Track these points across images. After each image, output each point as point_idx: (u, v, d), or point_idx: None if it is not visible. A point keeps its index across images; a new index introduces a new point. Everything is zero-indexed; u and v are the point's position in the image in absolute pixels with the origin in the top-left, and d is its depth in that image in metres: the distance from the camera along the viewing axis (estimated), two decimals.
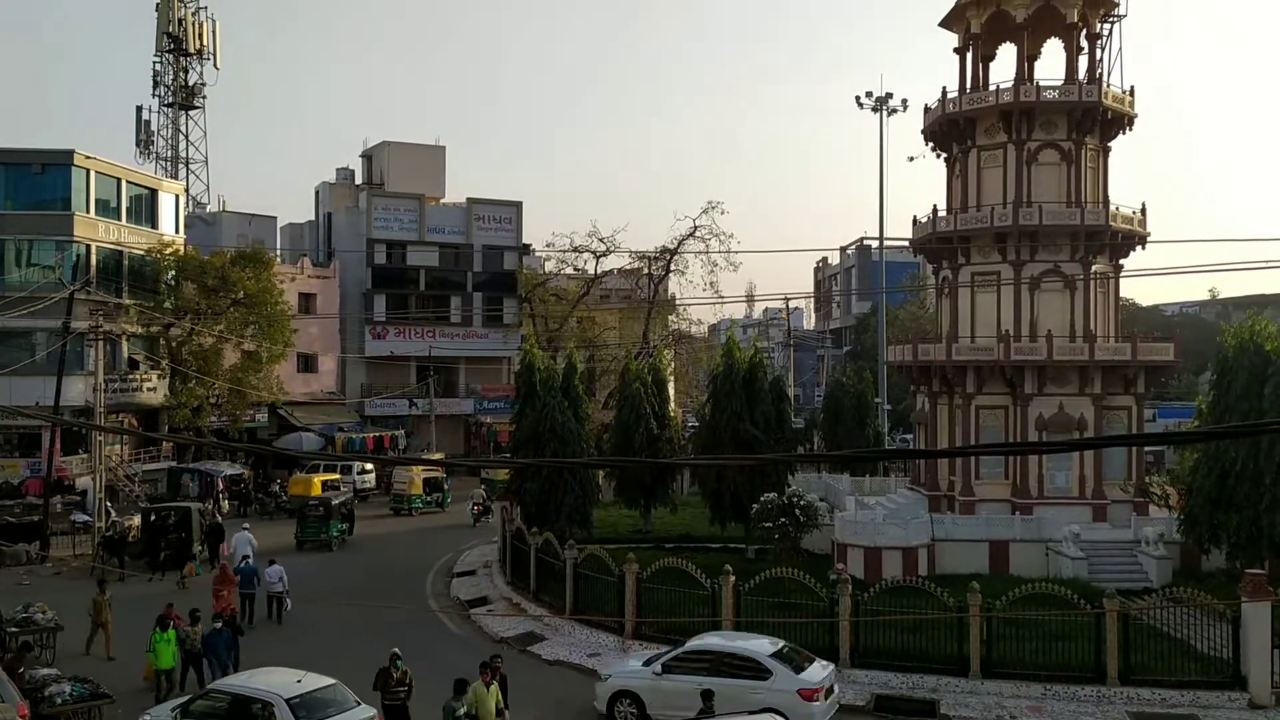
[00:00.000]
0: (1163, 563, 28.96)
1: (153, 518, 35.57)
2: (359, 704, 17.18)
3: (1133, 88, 34.94)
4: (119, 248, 50.32)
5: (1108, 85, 34.53)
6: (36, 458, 44.98)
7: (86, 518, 38.28)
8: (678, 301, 67.84)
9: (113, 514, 38.69)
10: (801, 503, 31.38)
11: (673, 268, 64.69)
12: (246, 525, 33.13)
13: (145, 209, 53.27)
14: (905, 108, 54.50)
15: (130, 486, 46.09)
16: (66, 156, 47.80)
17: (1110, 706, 20.72)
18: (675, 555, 27.45)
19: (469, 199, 68.35)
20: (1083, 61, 35.27)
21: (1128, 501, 32.93)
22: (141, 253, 51.11)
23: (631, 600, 25.11)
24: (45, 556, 35.57)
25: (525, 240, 70.06)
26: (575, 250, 65.65)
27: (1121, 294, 37.60)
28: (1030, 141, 34.29)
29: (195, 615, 21.71)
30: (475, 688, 16.87)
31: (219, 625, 21.51)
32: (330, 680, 17.53)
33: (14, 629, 22.73)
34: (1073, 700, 20.97)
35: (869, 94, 54.43)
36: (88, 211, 48.50)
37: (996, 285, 34.59)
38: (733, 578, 23.79)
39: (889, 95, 54.31)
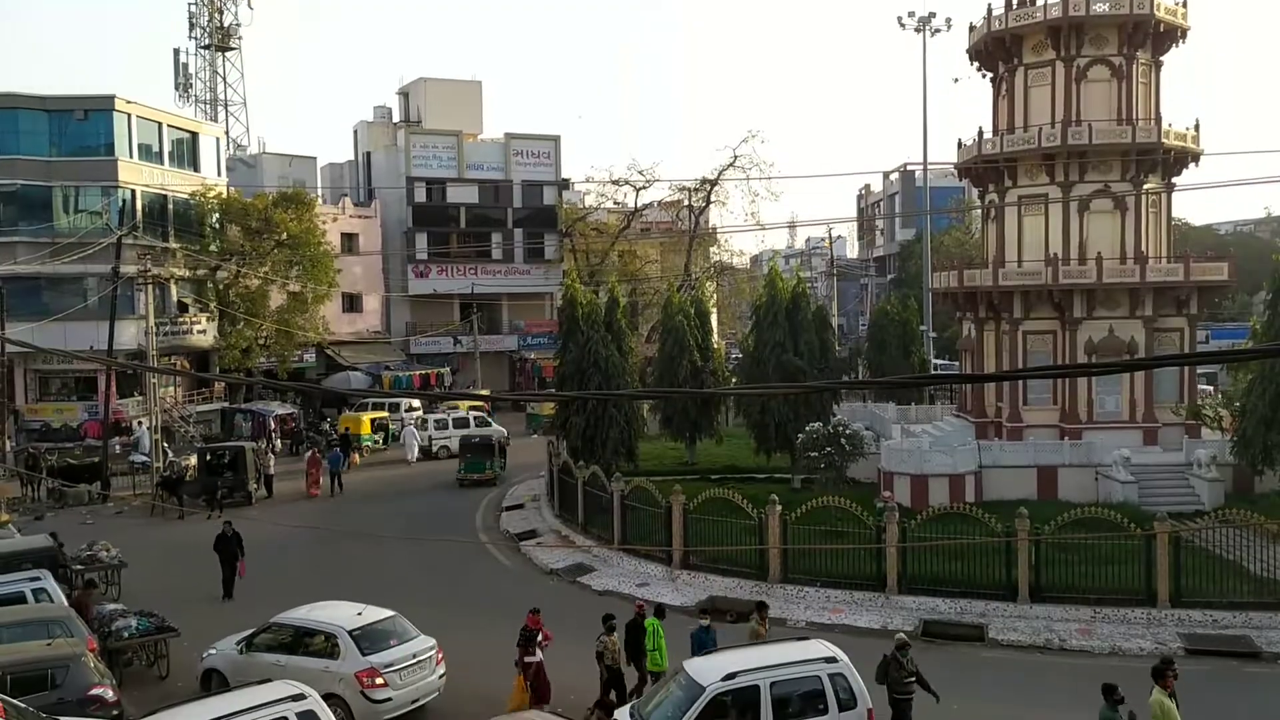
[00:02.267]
0: (1215, 485, 28.68)
1: (208, 457, 36.40)
2: (419, 635, 17.45)
3: None
4: (163, 192, 50.74)
5: None
6: (93, 400, 46.01)
7: (145, 458, 39.23)
8: (719, 230, 67.35)
9: (170, 454, 39.61)
10: (847, 432, 31.37)
11: (713, 199, 64.16)
12: (412, 421, 46.33)
13: (187, 152, 53.60)
14: (949, 27, 53.20)
15: (185, 427, 47.08)
16: (108, 102, 48.05)
17: (1161, 628, 20.70)
18: (721, 486, 27.63)
19: (507, 134, 67.96)
20: None
21: (1179, 424, 32.53)
22: (185, 196, 51.54)
23: (678, 531, 25.35)
24: (106, 496, 36.58)
25: (564, 174, 69.70)
26: (615, 183, 65.28)
27: (1174, 213, 36.73)
28: (1080, 58, 33.31)
29: (611, 623, 17.60)
30: (1157, 700, 13.75)
31: (704, 621, 18.19)
32: (389, 612, 17.76)
33: (79, 567, 23.47)
34: (1123, 623, 20.98)
35: (911, 14, 53.16)
36: (131, 156, 48.86)
37: (1044, 207, 33.92)
38: (779, 507, 23.90)
39: (932, 15, 53.08)
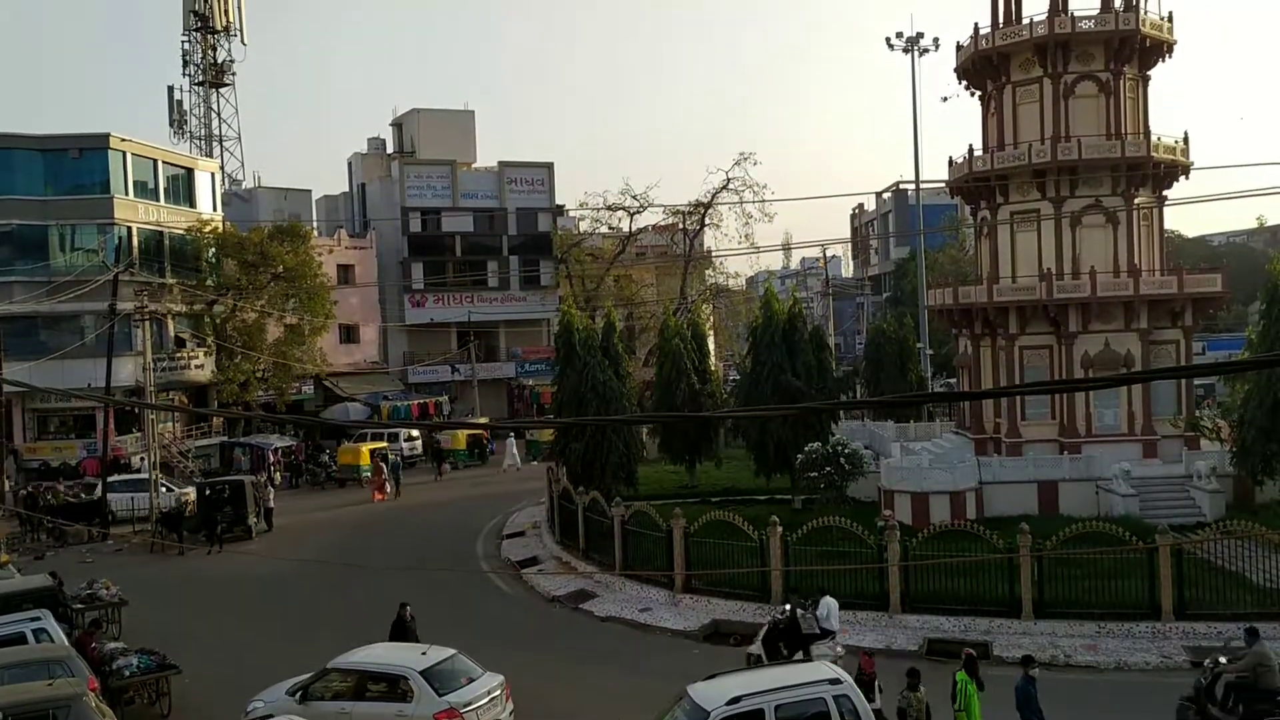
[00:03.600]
0: (1215, 496, 28.65)
1: (207, 492, 36.29)
2: (485, 671, 17.01)
3: (1171, 13, 34.06)
4: (159, 228, 50.89)
5: (1145, 12, 33.66)
6: (92, 438, 45.94)
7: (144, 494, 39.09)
8: (714, 254, 67.47)
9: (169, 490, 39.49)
10: (846, 451, 31.35)
11: (707, 221, 64.33)
12: (513, 437, 51.26)
13: (182, 188, 53.80)
14: (937, 47, 53.56)
15: (184, 463, 46.99)
16: (102, 140, 48.27)
17: (1166, 642, 20.65)
18: (721, 509, 27.56)
19: (500, 162, 68.23)
20: None
21: (1178, 436, 32.53)
22: (181, 232, 51.68)
23: (680, 555, 25.28)
24: (106, 534, 36.44)
25: (558, 201, 69.93)
26: (609, 209, 65.48)
27: (1166, 226, 36.89)
28: (1067, 74, 33.56)
29: (914, 676, 15.84)
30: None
31: (1033, 672, 15.85)
32: (451, 650, 17.21)
33: (79, 605, 23.36)
34: (1128, 637, 20.93)
35: (899, 35, 53.55)
36: (126, 194, 49.03)
37: (1036, 223, 34.07)
38: (780, 528, 23.87)
39: (920, 35, 53.38)
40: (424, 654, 16.80)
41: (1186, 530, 24.83)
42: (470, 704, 15.98)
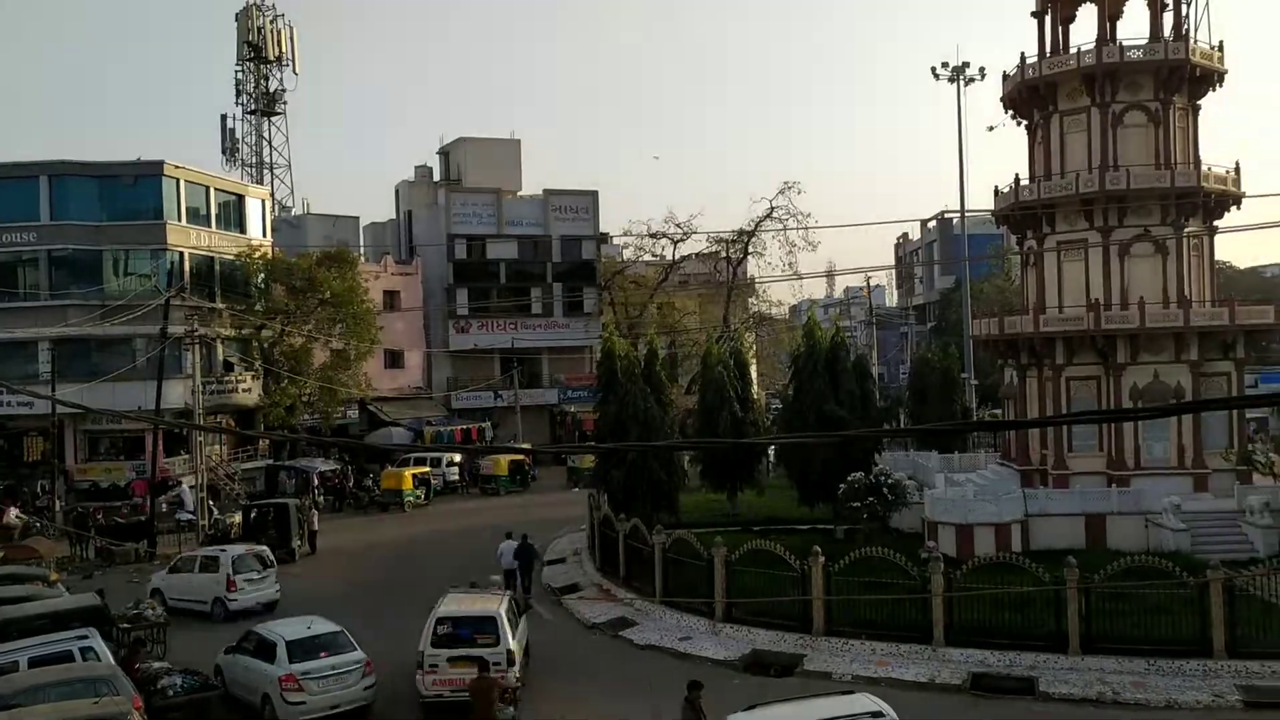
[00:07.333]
0: (1269, 532, 27.99)
1: (253, 514, 36.66)
2: (355, 650, 19.70)
3: (1221, 42, 33.74)
4: (210, 254, 51.80)
5: (1195, 41, 33.36)
6: (141, 459, 46.62)
7: (190, 516, 39.61)
8: (757, 281, 67.48)
9: (215, 512, 39.97)
10: (889, 481, 31.07)
11: (750, 250, 64.35)
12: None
13: (233, 215, 54.75)
14: (983, 76, 53.48)
15: (230, 485, 47.54)
16: (157, 167, 49.28)
17: (1217, 680, 20.17)
18: (763, 537, 27.36)
19: (545, 190, 68.74)
20: (1167, 19, 34.09)
21: (1230, 470, 31.88)
22: (231, 257, 52.56)
23: (721, 583, 25.11)
24: (153, 554, 36.90)
25: (602, 229, 70.28)
26: (652, 236, 65.76)
27: (1217, 256, 36.35)
28: (1115, 104, 33.29)
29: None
30: None
31: None
32: (337, 627, 20.35)
33: (125, 625, 23.63)
34: (1178, 675, 20.47)
35: (945, 64, 53.51)
36: (179, 220, 49.97)
37: (1084, 253, 33.72)
38: (822, 558, 23.66)
39: (965, 65, 53.33)
40: (309, 627, 20.17)
41: (1239, 566, 24.30)
42: (309, 673, 19.01)
